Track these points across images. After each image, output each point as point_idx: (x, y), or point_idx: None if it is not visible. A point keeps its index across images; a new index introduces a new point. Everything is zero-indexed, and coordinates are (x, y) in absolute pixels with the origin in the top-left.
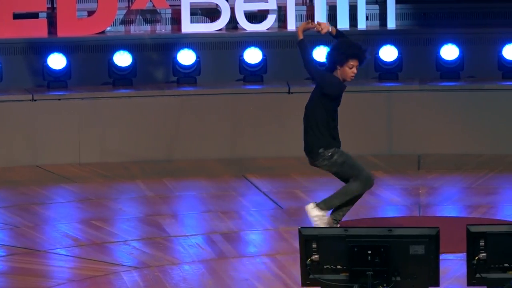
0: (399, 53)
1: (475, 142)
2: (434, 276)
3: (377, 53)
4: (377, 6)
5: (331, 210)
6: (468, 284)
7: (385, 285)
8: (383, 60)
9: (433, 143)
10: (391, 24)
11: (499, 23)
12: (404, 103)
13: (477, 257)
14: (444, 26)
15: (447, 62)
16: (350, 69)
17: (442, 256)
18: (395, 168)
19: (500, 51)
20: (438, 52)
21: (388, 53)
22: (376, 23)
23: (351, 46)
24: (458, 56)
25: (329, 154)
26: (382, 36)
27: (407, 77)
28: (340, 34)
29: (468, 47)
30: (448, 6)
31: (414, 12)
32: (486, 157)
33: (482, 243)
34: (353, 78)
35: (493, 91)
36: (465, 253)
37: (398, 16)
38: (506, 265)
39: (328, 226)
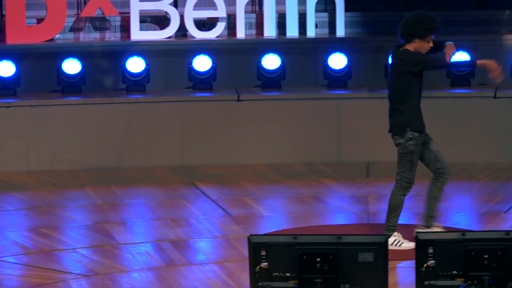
0: (348, 61)
1: None
2: (382, 283)
3: (326, 61)
4: (326, 14)
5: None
6: None
7: None
8: (332, 68)
9: (382, 151)
10: (340, 32)
11: (448, 32)
12: (353, 110)
13: (425, 265)
14: (393, 34)
15: None
16: (428, 43)
17: (390, 264)
18: (344, 175)
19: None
20: (387, 60)
21: (337, 61)
22: (325, 31)
23: (432, 20)
24: None
25: (410, 136)
26: (331, 44)
27: (356, 85)
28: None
29: None
30: (397, 14)
31: (363, 20)
32: None
33: (430, 251)
34: (428, 51)
35: (442, 99)
36: (413, 261)
37: (347, 24)
38: (454, 272)
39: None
